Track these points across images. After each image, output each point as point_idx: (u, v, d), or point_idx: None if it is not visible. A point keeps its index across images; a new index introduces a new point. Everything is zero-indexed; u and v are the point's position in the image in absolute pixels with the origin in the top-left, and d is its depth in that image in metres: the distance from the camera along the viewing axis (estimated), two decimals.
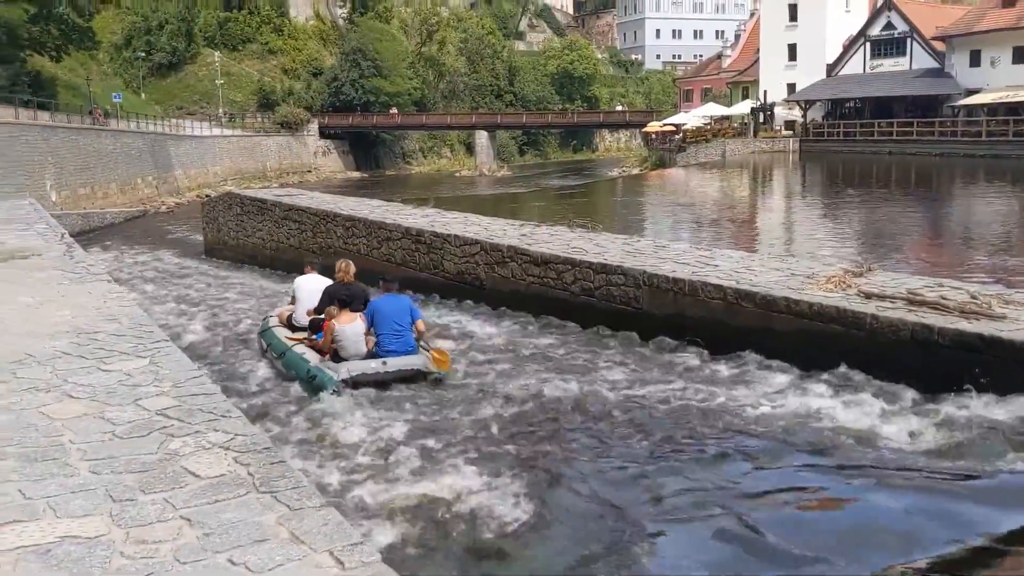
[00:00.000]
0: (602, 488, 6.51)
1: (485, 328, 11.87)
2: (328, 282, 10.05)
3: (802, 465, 6.85)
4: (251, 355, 10.47)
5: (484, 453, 7.04)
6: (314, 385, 8.54)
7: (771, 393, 8.21)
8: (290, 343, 9.55)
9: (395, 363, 8.66)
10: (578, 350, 10.38)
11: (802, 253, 18.23)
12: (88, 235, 32.68)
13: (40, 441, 4.77)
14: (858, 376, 8.15)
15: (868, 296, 8.57)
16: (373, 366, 8.60)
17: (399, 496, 6.02)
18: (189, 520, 3.78)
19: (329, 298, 9.45)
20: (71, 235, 31.34)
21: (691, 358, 9.42)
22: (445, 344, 10.04)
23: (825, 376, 8.29)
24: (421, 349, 8.98)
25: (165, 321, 13.02)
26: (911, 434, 7.09)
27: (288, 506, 3.90)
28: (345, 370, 8.51)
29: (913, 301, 8.25)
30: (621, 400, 8.38)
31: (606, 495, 6.40)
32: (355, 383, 8.41)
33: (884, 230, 24.02)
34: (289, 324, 10.24)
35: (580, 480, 6.68)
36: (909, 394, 7.75)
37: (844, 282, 9.10)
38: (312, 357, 9.03)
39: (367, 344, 8.93)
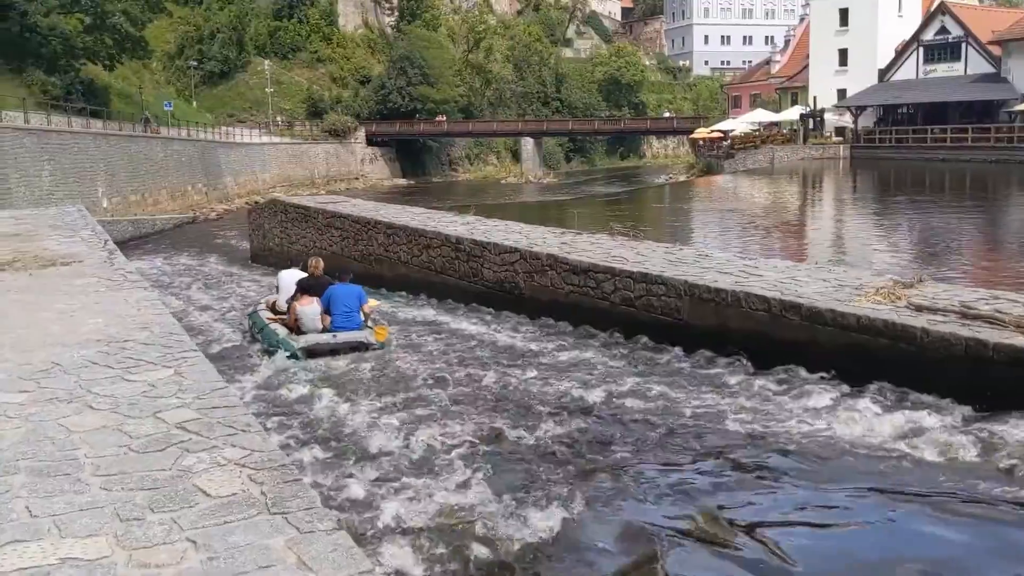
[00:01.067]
0: (633, 504, 6.29)
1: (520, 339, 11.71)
2: (303, 275, 12.06)
3: (847, 487, 6.52)
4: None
5: (535, 474, 6.89)
6: (281, 347, 10.86)
7: (816, 410, 7.87)
8: (268, 321, 11.80)
9: (343, 336, 10.91)
10: (617, 361, 10.13)
11: (852, 262, 17.73)
12: (138, 241, 33.20)
13: (54, 455, 4.68)
14: (906, 392, 7.80)
15: (918, 309, 8.21)
16: (325, 338, 10.91)
17: None
18: (195, 543, 3.63)
19: (299, 287, 11.59)
20: (121, 241, 31.98)
21: (734, 372, 9.11)
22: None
23: (872, 392, 7.95)
24: (366, 326, 11.17)
25: (200, 324, 13.97)
26: (964, 456, 6.73)
27: (298, 528, 3.73)
28: (304, 341, 10.80)
29: (967, 315, 7.87)
30: (660, 413, 8.12)
31: (637, 511, 6.18)
32: (311, 352, 10.66)
33: (938, 239, 23.32)
34: (273, 309, 12.37)
35: (612, 493, 6.46)
36: (961, 413, 7.38)
37: (893, 294, 8.74)
38: (282, 332, 11.23)
39: (323, 322, 11.09)
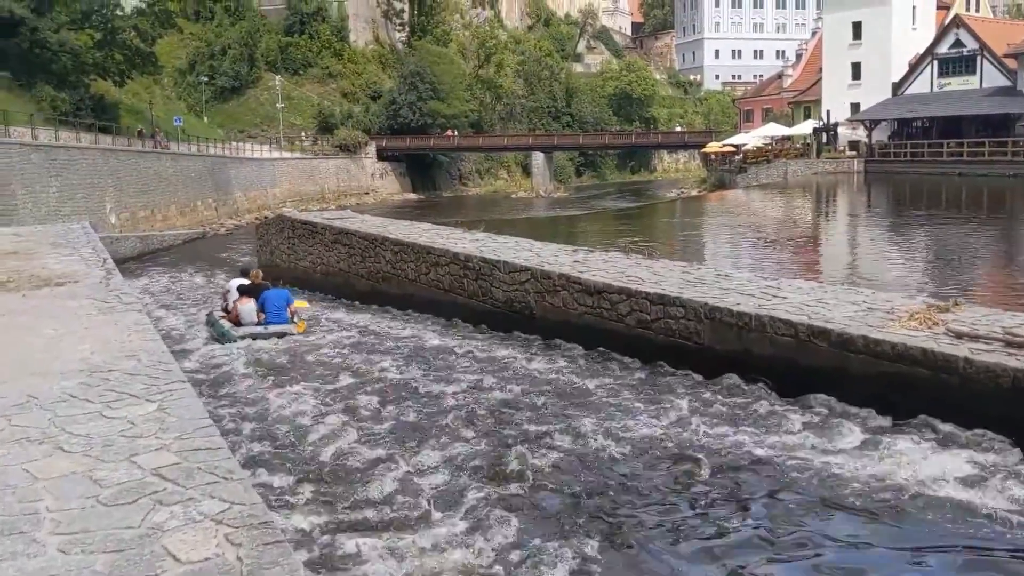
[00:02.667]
0: (643, 549, 5.76)
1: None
2: (247, 282, 15.24)
3: (884, 538, 5.90)
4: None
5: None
6: (226, 336, 14.07)
7: (849, 448, 7.26)
8: (218, 317, 14.98)
9: (272, 328, 14.01)
10: (632, 388, 9.60)
11: (876, 283, 17.14)
12: (147, 257, 32.89)
13: (13, 508, 4.20)
14: (949, 428, 7.20)
15: (959, 336, 7.66)
16: (258, 329, 14.02)
17: None
18: None
19: (240, 291, 14.89)
20: (129, 257, 31.71)
21: (758, 401, 8.54)
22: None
23: (911, 428, 7.37)
24: (291, 321, 14.31)
25: (187, 338, 15.00)
26: (1016, 500, 6.15)
27: None
28: (241, 331, 14.03)
29: (1012, 343, 7.32)
30: (676, 446, 7.59)
31: (648, 556, 5.66)
32: (244, 337, 13.80)
33: (961, 257, 22.69)
34: (225, 309, 15.27)
35: (622, 532, 5.94)
36: (1012, 452, 6.78)
37: (929, 319, 8.18)
38: (227, 325, 14.44)
39: (258, 317, 14.27)
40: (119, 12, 47.26)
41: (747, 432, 7.81)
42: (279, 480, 7.24)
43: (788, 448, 7.38)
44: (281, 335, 13.81)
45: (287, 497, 6.88)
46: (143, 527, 3.96)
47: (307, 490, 7.02)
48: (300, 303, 15.54)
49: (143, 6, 50.29)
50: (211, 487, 4.41)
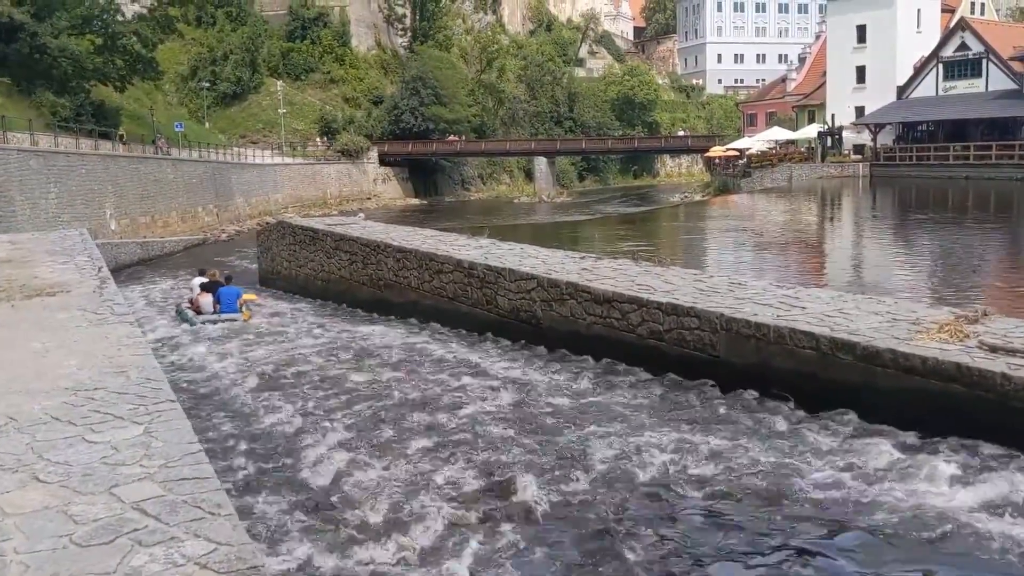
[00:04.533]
0: None
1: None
2: (206, 280, 18.35)
3: (915, 568, 5.49)
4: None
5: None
6: (189, 322, 17.15)
7: (878, 469, 6.83)
8: (184, 308, 18.07)
9: (225, 316, 17.14)
10: (642, 402, 9.19)
11: (887, 289, 16.71)
12: (147, 264, 32.56)
13: None
14: (987, 448, 6.77)
15: (993, 349, 7.26)
16: (213, 316, 17.19)
17: None
18: None
19: (201, 287, 18.05)
20: (129, 264, 31.36)
21: (778, 418, 8.12)
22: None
23: (944, 448, 6.94)
24: (240, 311, 17.37)
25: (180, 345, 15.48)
26: None
27: None
28: (201, 318, 17.16)
29: None
30: (688, 468, 7.16)
31: None
32: (203, 323, 16.92)
33: (974, 262, 22.26)
34: (191, 301, 18.14)
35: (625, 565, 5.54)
36: None
37: (960, 331, 7.77)
38: (191, 313, 17.52)
39: (214, 308, 17.38)
40: (120, 17, 46.96)
41: (767, 451, 7.39)
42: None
43: (812, 468, 6.96)
44: (231, 321, 17.07)
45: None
46: (119, 573, 3.57)
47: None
48: (250, 296, 18.85)
49: (144, 11, 50.01)
50: (196, 524, 4.02)
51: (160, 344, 15.02)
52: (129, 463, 4.87)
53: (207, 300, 17.57)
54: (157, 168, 41.32)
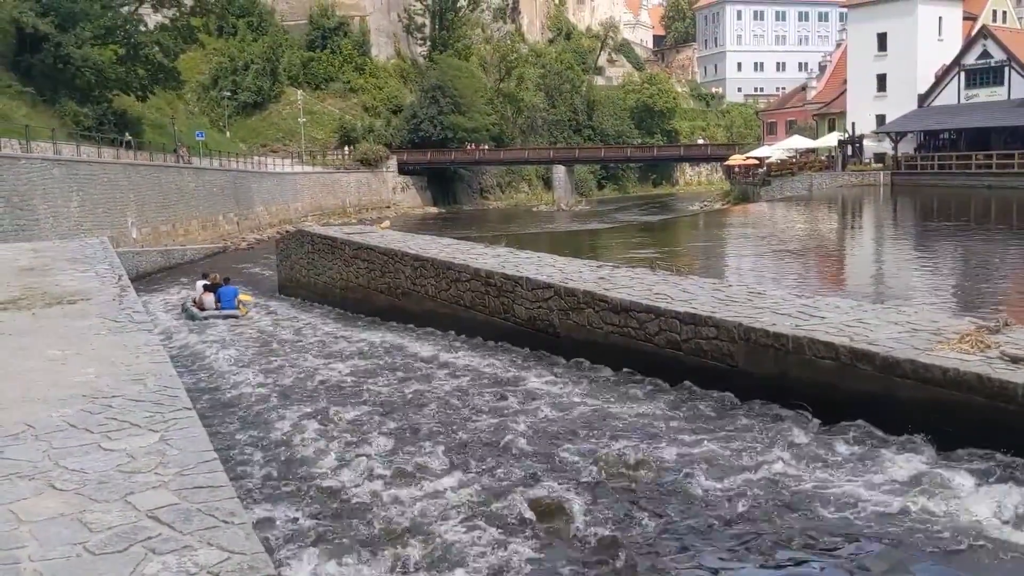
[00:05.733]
0: None
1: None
2: (208, 283, 20.90)
3: None
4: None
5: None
6: (193, 318, 19.59)
7: (898, 483, 6.74)
8: (189, 306, 20.52)
9: (224, 312, 19.52)
10: (658, 411, 9.14)
11: (908, 299, 16.57)
12: (167, 272, 32.79)
13: None
14: (1011, 460, 6.68)
15: (1015, 360, 7.16)
16: (215, 313, 19.51)
17: None
18: None
19: (204, 288, 20.54)
20: (150, 272, 31.59)
21: (796, 429, 8.04)
22: None
23: (966, 460, 6.84)
24: (237, 308, 19.90)
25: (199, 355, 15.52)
26: None
27: None
28: (204, 314, 19.54)
29: None
30: (707, 479, 7.09)
31: None
32: (206, 318, 19.25)
33: (1000, 272, 22.01)
34: (195, 300, 20.59)
35: None
36: None
37: (981, 341, 7.68)
38: (195, 310, 19.92)
39: (216, 305, 19.72)
40: (142, 28, 47.46)
41: (785, 461, 7.32)
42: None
43: (831, 480, 6.89)
44: (230, 317, 19.52)
45: None
46: None
47: None
48: (246, 296, 21.59)
49: (166, 21, 50.50)
50: (210, 532, 4.03)
51: (166, 337, 16.40)
52: (144, 471, 4.89)
53: (209, 299, 20.08)
54: (178, 177, 41.68)
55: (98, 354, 8.08)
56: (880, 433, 7.60)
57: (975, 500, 6.24)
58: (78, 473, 4.88)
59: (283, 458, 8.60)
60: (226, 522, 4.15)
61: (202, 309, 19.83)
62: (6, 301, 11.36)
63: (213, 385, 12.70)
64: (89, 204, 32.42)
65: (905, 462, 7.00)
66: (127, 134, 42.75)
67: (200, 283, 21.34)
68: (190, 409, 6.22)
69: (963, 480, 6.56)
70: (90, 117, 42.43)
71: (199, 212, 43.24)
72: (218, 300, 19.84)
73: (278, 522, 6.70)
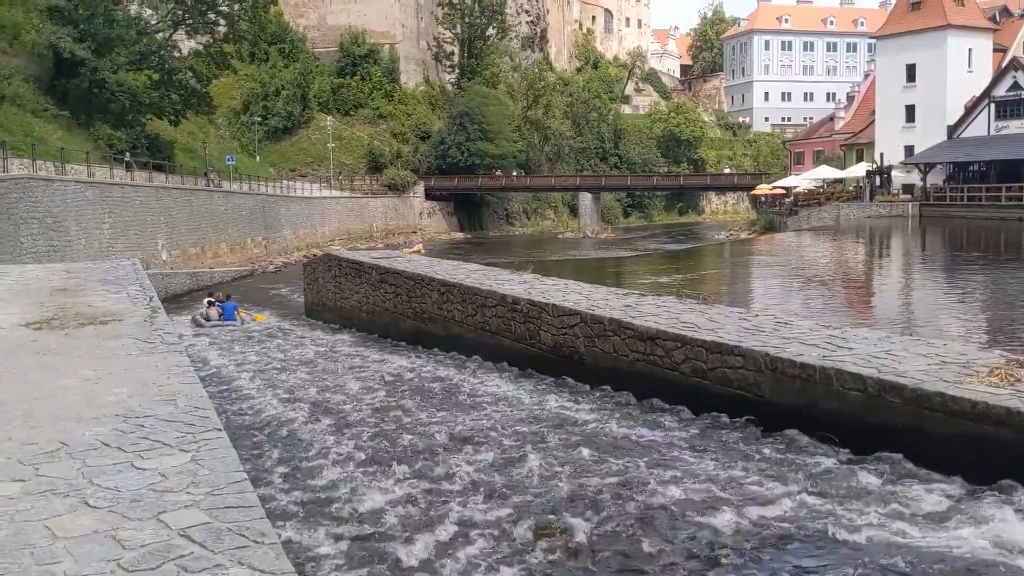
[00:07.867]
0: None
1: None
2: (213, 299, 24.52)
3: None
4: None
5: None
6: (200, 328, 22.93)
7: (926, 515, 6.69)
8: (199, 316, 24.09)
9: (227, 323, 23.16)
10: (684, 441, 9.11)
11: (937, 332, 16.43)
12: (196, 293, 33.12)
13: (30, 571, 3.91)
14: None
15: None
16: (218, 322, 23.23)
17: None
18: None
19: (209, 303, 24.37)
20: (179, 294, 31.94)
21: (824, 460, 7.99)
22: None
23: (995, 493, 6.78)
24: (238, 318, 23.71)
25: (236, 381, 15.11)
26: None
27: None
28: (210, 323, 23.17)
29: None
30: (732, 512, 7.04)
31: None
32: (211, 327, 22.82)
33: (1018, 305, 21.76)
34: (203, 315, 24.02)
35: None
36: None
37: (1011, 375, 7.63)
38: (203, 320, 23.50)
39: (219, 317, 23.45)
40: (176, 53, 48.27)
41: (812, 493, 7.27)
42: None
43: (858, 512, 6.83)
44: (232, 326, 23.03)
45: None
46: None
47: None
48: (241, 312, 24.57)
49: (200, 47, 51.36)
50: (240, 552, 4.08)
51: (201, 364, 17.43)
52: (176, 490, 4.97)
53: (214, 312, 24.08)
54: (208, 200, 42.23)
55: (130, 374, 8.20)
56: (908, 465, 7.54)
57: (1006, 534, 6.18)
58: (112, 491, 4.96)
59: (309, 481, 8.66)
60: (256, 542, 4.20)
61: (207, 320, 23.78)
62: (40, 321, 11.56)
63: (236, 408, 12.81)
64: (121, 226, 32.92)
65: (933, 495, 6.94)
66: (130, 154, 42.69)
67: (206, 300, 25.45)
68: (220, 430, 6.30)
69: (993, 513, 6.51)
70: (124, 141, 43.11)
71: (228, 235, 43.74)
72: (221, 312, 23.94)
73: (305, 544, 6.75)
